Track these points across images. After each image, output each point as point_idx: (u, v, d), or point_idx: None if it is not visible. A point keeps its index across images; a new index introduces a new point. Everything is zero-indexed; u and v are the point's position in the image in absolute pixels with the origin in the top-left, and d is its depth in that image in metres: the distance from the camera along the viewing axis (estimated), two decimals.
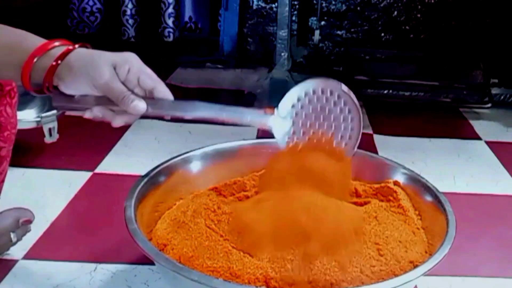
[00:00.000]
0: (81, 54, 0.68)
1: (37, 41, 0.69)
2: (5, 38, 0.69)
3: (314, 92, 0.75)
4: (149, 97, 0.70)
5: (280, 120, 0.75)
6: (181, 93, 1.73)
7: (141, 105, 0.68)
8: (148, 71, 0.70)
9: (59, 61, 0.67)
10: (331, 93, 0.75)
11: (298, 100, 0.76)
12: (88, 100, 0.69)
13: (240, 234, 0.74)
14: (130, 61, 0.69)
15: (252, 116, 0.74)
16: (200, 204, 0.81)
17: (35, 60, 0.67)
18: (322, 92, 0.75)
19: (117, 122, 0.70)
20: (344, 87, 0.75)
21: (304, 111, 0.76)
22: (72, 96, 0.69)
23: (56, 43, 0.68)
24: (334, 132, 0.76)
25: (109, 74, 0.67)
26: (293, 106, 0.76)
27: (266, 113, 0.75)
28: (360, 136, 0.76)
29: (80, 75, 0.67)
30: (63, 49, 0.68)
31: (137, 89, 0.70)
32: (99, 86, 0.67)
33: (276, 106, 0.76)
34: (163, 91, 0.71)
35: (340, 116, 0.75)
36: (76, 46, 0.69)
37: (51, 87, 0.68)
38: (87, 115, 0.70)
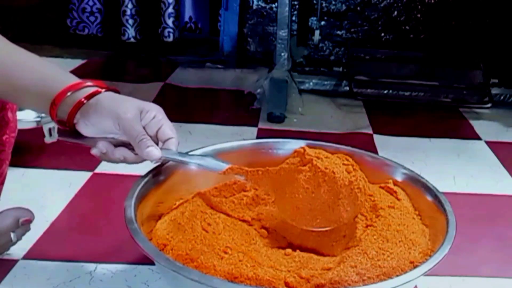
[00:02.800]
0: (110, 95, 0.70)
1: (71, 78, 0.71)
2: (40, 70, 0.71)
3: None
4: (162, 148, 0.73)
5: None
6: (181, 93, 1.73)
7: (156, 152, 0.70)
8: (170, 123, 0.73)
9: (85, 101, 0.69)
10: None
11: None
12: (95, 139, 0.71)
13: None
14: (157, 109, 0.72)
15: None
16: (196, 206, 0.81)
17: (68, 94, 0.68)
18: None
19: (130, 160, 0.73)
20: None
21: None
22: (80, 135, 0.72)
23: (89, 83, 0.70)
24: None
25: (134, 113, 0.69)
26: None
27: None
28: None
29: (106, 112, 0.69)
30: (93, 89, 0.70)
31: (153, 138, 0.72)
32: (122, 121, 0.69)
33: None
34: (175, 144, 0.74)
35: None
36: (104, 90, 0.71)
37: (71, 123, 0.70)
38: (93, 151, 0.72)
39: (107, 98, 0.70)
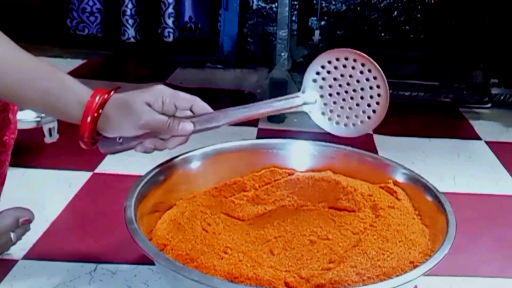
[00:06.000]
0: (115, 102, 0.69)
1: (78, 92, 0.69)
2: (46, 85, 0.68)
3: (336, 61, 0.74)
4: (191, 116, 0.73)
5: (307, 97, 0.75)
6: None
7: (188, 126, 0.72)
8: (181, 94, 0.73)
9: (95, 114, 0.68)
10: (355, 60, 0.74)
11: (318, 73, 0.75)
12: (131, 139, 0.72)
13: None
14: (161, 94, 0.71)
15: (280, 104, 0.75)
16: (196, 206, 0.81)
17: (88, 120, 0.68)
18: (346, 59, 0.74)
19: (171, 145, 0.74)
20: (359, 53, 0.74)
21: (328, 82, 0.75)
22: (115, 138, 0.72)
23: (97, 98, 0.68)
24: (363, 97, 0.75)
25: (147, 113, 0.69)
26: (314, 80, 0.76)
27: (291, 96, 0.76)
28: (387, 102, 0.74)
29: (120, 123, 0.69)
30: (99, 101, 0.69)
31: (178, 112, 0.72)
32: (141, 126, 0.69)
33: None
34: (202, 106, 0.74)
35: (367, 84, 0.74)
36: (111, 93, 0.70)
37: (95, 135, 0.70)
38: (139, 149, 0.73)
39: (114, 109, 0.69)
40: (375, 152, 1.31)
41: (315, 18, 1.96)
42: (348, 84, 0.74)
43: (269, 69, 1.69)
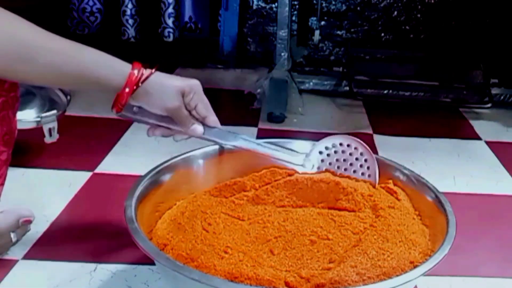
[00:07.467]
0: (155, 81, 0.77)
1: (118, 63, 0.77)
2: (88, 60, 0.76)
3: (339, 145, 0.89)
4: (205, 124, 0.83)
5: (309, 161, 0.89)
6: None
7: (198, 129, 0.81)
8: (205, 100, 0.82)
9: (135, 87, 0.75)
10: (349, 145, 0.89)
11: (327, 148, 0.90)
12: (148, 115, 0.80)
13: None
14: (195, 89, 0.79)
15: (285, 156, 0.88)
16: (196, 206, 0.81)
17: (126, 90, 0.75)
18: (341, 144, 0.89)
19: (177, 139, 0.83)
20: (359, 141, 0.89)
21: (329, 158, 0.89)
22: (132, 106, 0.78)
23: (135, 71, 0.76)
24: (355, 171, 0.88)
25: (179, 103, 0.78)
26: (320, 152, 0.90)
27: (297, 154, 0.89)
28: (377, 176, 0.87)
29: (155, 101, 0.77)
30: (139, 75, 0.76)
31: (193, 112, 0.81)
32: (169, 110, 0.78)
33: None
34: (213, 121, 0.83)
35: (358, 163, 0.88)
36: (152, 70, 0.77)
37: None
38: (150, 133, 0.82)
39: (154, 87, 0.76)
40: (375, 152, 1.31)
41: (315, 18, 1.96)
42: (344, 160, 0.89)
43: (269, 69, 1.69)
